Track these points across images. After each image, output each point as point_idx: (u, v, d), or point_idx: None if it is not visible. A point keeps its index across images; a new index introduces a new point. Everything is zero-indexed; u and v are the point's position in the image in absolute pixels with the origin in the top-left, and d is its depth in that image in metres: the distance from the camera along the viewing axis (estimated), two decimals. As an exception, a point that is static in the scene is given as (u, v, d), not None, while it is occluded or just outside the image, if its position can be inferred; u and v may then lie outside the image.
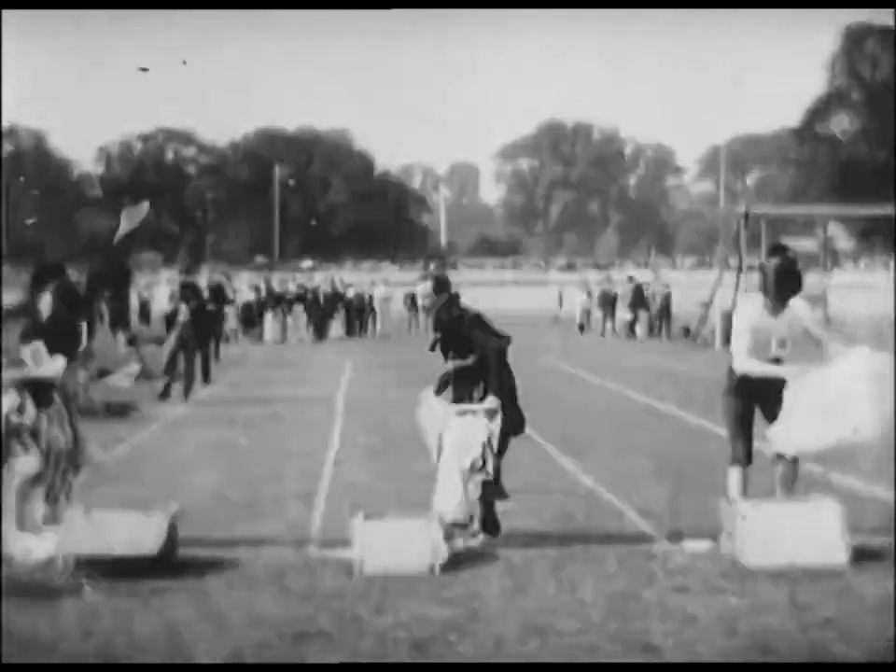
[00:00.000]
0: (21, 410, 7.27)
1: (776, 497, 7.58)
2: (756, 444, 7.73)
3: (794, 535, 6.95)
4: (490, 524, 7.66)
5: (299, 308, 33.91)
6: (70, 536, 6.92)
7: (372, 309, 37.09)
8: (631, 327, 34.41)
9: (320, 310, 34.45)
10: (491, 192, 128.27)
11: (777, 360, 7.62)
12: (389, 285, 39.85)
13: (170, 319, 18.49)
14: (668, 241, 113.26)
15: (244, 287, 35.62)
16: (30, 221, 64.40)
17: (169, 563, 6.94)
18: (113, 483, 9.44)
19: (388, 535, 6.99)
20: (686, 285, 38.77)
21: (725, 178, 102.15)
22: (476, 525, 7.60)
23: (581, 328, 36.95)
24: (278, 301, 33.92)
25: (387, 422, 13.75)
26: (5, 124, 72.28)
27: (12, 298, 7.81)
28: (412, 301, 38.70)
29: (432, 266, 62.65)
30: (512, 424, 7.66)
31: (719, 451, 8.53)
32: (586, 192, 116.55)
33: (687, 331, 31.85)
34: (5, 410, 7.24)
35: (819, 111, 71.53)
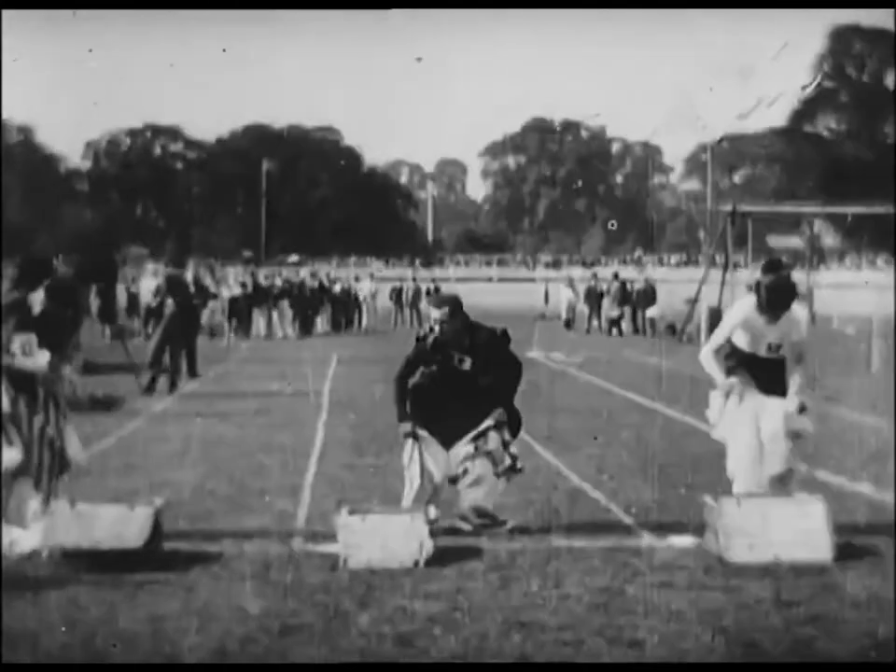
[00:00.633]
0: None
1: (762, 493, 7.62)
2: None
3: (779, 531, 6.98)
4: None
5: (284, 303, 33.82)
6: (55, 529, 6.91)
7: (358, 304, 37.07)
8: (616, 323, 34.45)
9: (306, 305, 34.38)
10: (478, 189, 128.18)
11: (768, 360, 7.87)
12: (375, 280, 39.81)
13: (153, 312, 18.42)
14: (655, 238, 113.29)
15: (230, 281, 35.49)
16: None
17: (154, 556, 6.93)
18: (98, 477, 9.41)
19: (373, 529, 6.99)
20: (672, 282, 38.81)
21: (712, 177, 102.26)
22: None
23: (568, 324, 36.96)
24: (265, 296, 33.84)
25: (373, 416, 13.74)
26: (-1, 121, 72.05)
27: None
28: (397, 296, 38.72)
29: (418, 262, 62.66)
30: (512, 426, 7.97)
31: (704, 447, 8.55)
32: (573, 190, 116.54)
33: (672, 329, 31.87)
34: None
35: (807, 111, 71.75)
